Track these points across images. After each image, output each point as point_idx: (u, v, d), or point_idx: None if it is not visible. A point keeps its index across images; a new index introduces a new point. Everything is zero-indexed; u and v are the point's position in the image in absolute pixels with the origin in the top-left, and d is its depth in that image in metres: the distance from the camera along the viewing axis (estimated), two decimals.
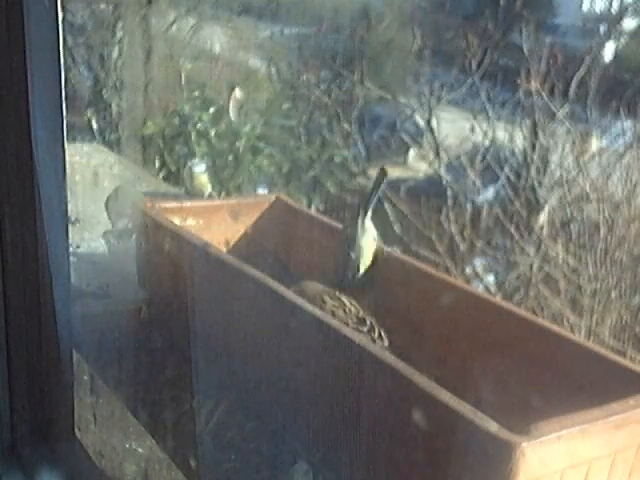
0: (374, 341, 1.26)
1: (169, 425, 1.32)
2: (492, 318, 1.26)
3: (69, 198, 1.20)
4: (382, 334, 1.29)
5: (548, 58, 2.92)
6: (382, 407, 1.07)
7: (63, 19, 1.13)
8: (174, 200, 2.01)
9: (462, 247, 3.10)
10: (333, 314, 1.28)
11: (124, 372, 1.47)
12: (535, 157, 3.03)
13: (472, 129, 3.24)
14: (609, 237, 2.78)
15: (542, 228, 2.95)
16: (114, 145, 3.34)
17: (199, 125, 3.45)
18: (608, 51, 2.99)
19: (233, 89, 3.42)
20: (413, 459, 1.03)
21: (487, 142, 3.22)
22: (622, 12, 2.99)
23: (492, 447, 0.91)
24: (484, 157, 3.18)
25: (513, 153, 3.17)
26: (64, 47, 1.13)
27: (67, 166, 1.17)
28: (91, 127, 3.40)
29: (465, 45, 3.18)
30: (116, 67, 3.55)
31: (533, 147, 3.06)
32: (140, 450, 1.32)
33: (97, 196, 1.88)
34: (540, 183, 3.00)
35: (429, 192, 3.30)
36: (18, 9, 1.10)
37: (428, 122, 3.36)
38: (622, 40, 2.98)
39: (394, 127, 3.54)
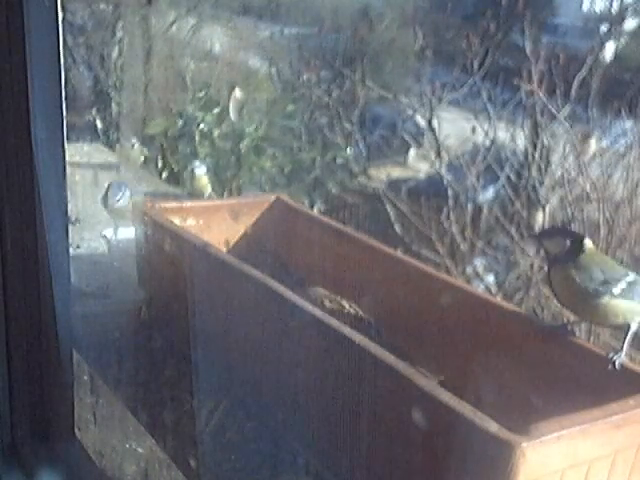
0: (372, 337, 1.27)
1: (169, 425, 1.32)
2: (492, 318, 1.26)
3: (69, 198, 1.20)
4: (380, 331, 1.29)
5: (549, 58, 2.92)
6: (382, 407, 1.07)
7: (63, 19, 1.13)
8: (174, 200, 2.01)
9: (462, 247, 3.10)
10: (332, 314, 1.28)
11: (124, 372, 1.47)
12: (536, 157, 3.03)
13: (473, 130, 3.23)
14: (609, 237, 2.77)
15: (542, 227, 2.95)
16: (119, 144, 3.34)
17: (202, 126, 3.44)
18: (609, 51, 2.98)
19: (233, 89, 3.42)
20: (413, 459, 1.03)
21: (488, 142, 3.21)
22: (622, 12, 2.99)
23: (492, 447, 0.91)
24: (485, 157, 3.18)
25: (514, 153, 3.17)
26: (64, 47, 1.13)
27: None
28: (95, 127, 3.40)
29: (466, 45, 3.17)
30: (116, 67, 3.55)
31: (534, 147, 3.06)
32: (140, 450, 1.32)
33: (97, 196, 1.88)
34: (541, 183, 3.00)
35: (430, 192, 3.30)
36: (18, 9, 1.10)
37: (429, 122, 3.36)
38: (622, 40, 2.98)
39: (395, 127, 3.54)
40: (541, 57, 2.95)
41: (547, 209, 2.96)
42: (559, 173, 3.03)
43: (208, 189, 2.41)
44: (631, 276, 1.13)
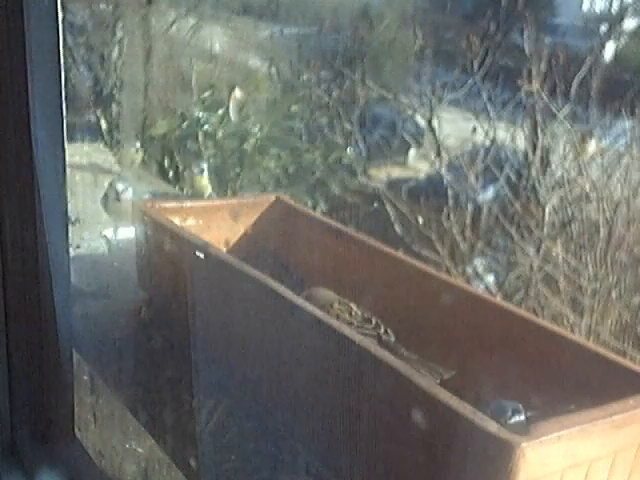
0: (380, 337, 1.27)
1: (169, 425, 1.32)
2: (492, 318, 1.26)
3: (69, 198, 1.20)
4: (388, 330, 1.29)
5: (549, 58, 2.92)
6: (382, 407, 1.07)
7: (63, 19, 1.13)
8: (174, 200, 2.01)
9: (462, 247, 3.10)
10: (338, 317, 1.28)
11: (124, 372, 1.47)
12: (536, 157, 3.03)
13: (474, 130, 3.23)
14: (609, 237, 2.78)
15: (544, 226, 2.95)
16: (119, 145, 3.34)
17: (207, 126, 3.45)
18: (609, 51, 2.98)
19: (233, 89, 3.42)
20: (413, 459, 1.03)
21: (488, 142, 3.21)
22: (622, 12, 2.99)
23: (492, 447, 0.91)
24: (485, 157, 3.18)
25: (514, 153, 3.17)
26: (64, 47, 1.13)
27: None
28: (100, 127, 3.40)
29: (466, 45, 3.17)
30: (116, 67, 3.54)
31: (534, 147, 3.06)
32: (140, 450, 1.32)
33: (97, 196, 1.88)
34: (541, 183, 3.00)
35: (430, 192, 3.30)
36: (18, 9, 1.10)
37: (429, 122, 3.36)
38: (622, 40, 2.98)
39: (395, 127, 3.54)
40: (541, 57, 2.95)
41: (547, 209, 2.96)
42: (559, 173, 3.03)
43: (208, 189, 2.42)
44: None
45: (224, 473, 1.21)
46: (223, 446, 1.24)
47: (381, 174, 3.56)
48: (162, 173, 3.42)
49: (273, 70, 3.75)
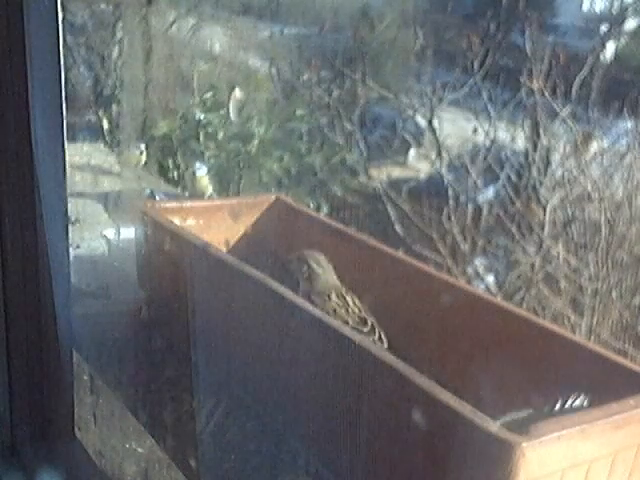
0: (374, 343, 1.26)
1: (169, 425, 1.32)
2: (492, 318, 1.26)
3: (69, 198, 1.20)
4: (382, 336, 1.29)
5: (550, 58, 2.92)
6: (382, 407, 1.07)
7: (63, 19, 1.13)
8: (174, 200, 2.01)
9: (463, 247, 3.10)
10: (335, 312, 1.28)
11: (124, 372, 1.47)
12: (536, 157, 3.03)
13: (475, 130, 3.23)
14: (610, 237, 2.77)
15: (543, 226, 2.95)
16: (119, 145, 3.34)
17: (208, 127, 3.44)
18: (609, 51, 2.98)
19: (233, 89, 3.42)
20: (413, 459, 1.03)
21: (488, 142, 3.21)
22: (622, 12, 2.99)
23: (492, 447, 0.91)
24: (485, 157, 3.18)
25: (514, 153, 3.17)
26: (64, 47, 1.13)
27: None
28: (100, 127, 3.40)
29: (466, 45, 3.17)
30: (116, 67, 3.54)
31: (534, 147, 3.06)
32: (140, 450, 1.32)
33: (97, 196, 1.88)
34: (541, 183, 3.00)
35: (430, 192, 3.30)
36: (18, 9, 1.10)
37: (429, 122, 3.36)
38: (622, 40, 2.98)
39: (395, 127, 3.54)
40: (541, 57, 2.95)
41: (548, 209, 2.96)
42: (560, 173, 3.03)
43: (209, 190, 2.42)
44: None
45: (224, 473, 1.21)
46: (223, 446, 1.24)
47: (381, 174, 3.56)
48: (163, 173, 3.42)
49: (273, 70, 3.75)
